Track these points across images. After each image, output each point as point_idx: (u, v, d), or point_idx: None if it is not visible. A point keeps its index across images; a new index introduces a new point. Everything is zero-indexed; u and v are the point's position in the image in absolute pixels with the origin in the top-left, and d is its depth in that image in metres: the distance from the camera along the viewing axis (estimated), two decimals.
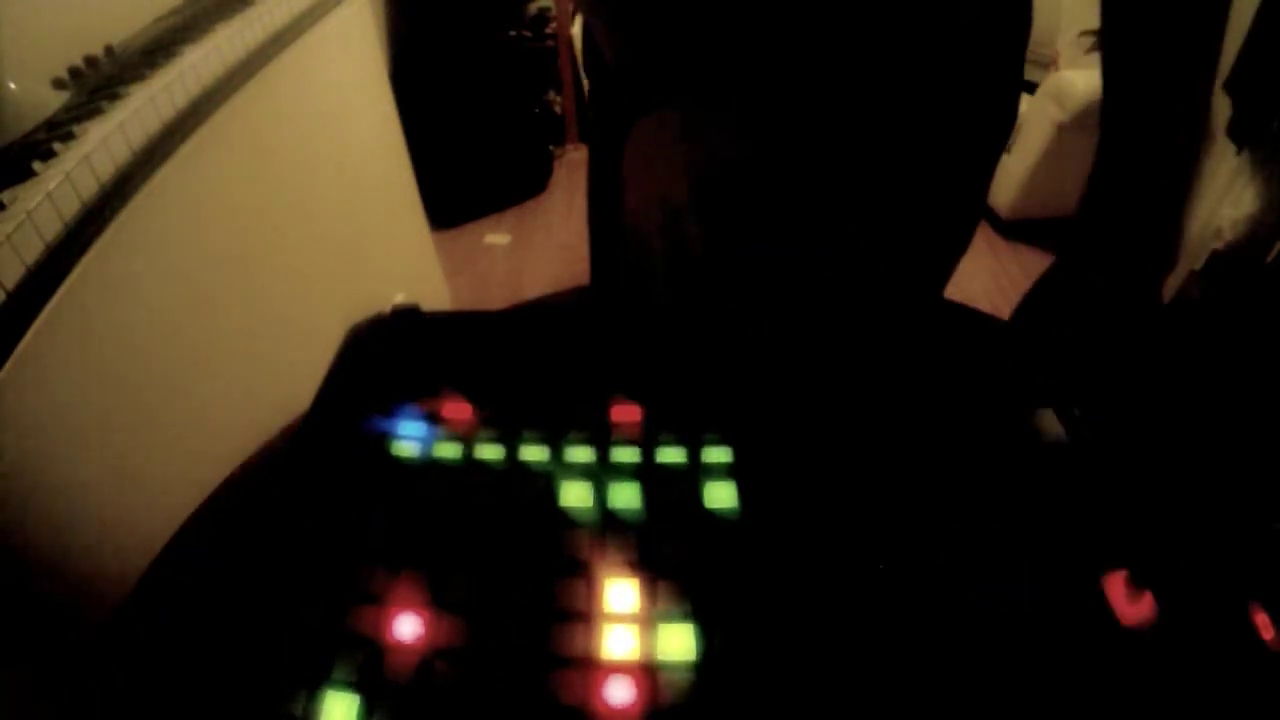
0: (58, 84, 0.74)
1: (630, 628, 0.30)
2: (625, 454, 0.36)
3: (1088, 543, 0.32)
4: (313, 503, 0.35)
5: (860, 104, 0.52)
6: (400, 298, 0.47)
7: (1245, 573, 0.31)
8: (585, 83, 0.67)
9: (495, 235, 2.12)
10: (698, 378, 0.40)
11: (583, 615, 0.30)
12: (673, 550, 0.32)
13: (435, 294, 1.55)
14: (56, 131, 0.64)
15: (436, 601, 0.31)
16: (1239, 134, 1.25)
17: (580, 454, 0.36)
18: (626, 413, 0.38)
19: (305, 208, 1.01)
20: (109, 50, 0.80)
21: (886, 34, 0.50)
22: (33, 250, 0.55)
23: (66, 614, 0.55)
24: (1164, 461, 0.35)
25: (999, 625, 0.29)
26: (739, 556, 0.32)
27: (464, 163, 2.03)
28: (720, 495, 0.34)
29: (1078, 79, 1.76)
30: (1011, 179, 1.96)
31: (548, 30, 2.30)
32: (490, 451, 0.36)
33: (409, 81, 1.75)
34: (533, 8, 2.30)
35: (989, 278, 1.93)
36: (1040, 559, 0.32)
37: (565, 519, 0.34)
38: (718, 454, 0.36)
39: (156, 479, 0.68)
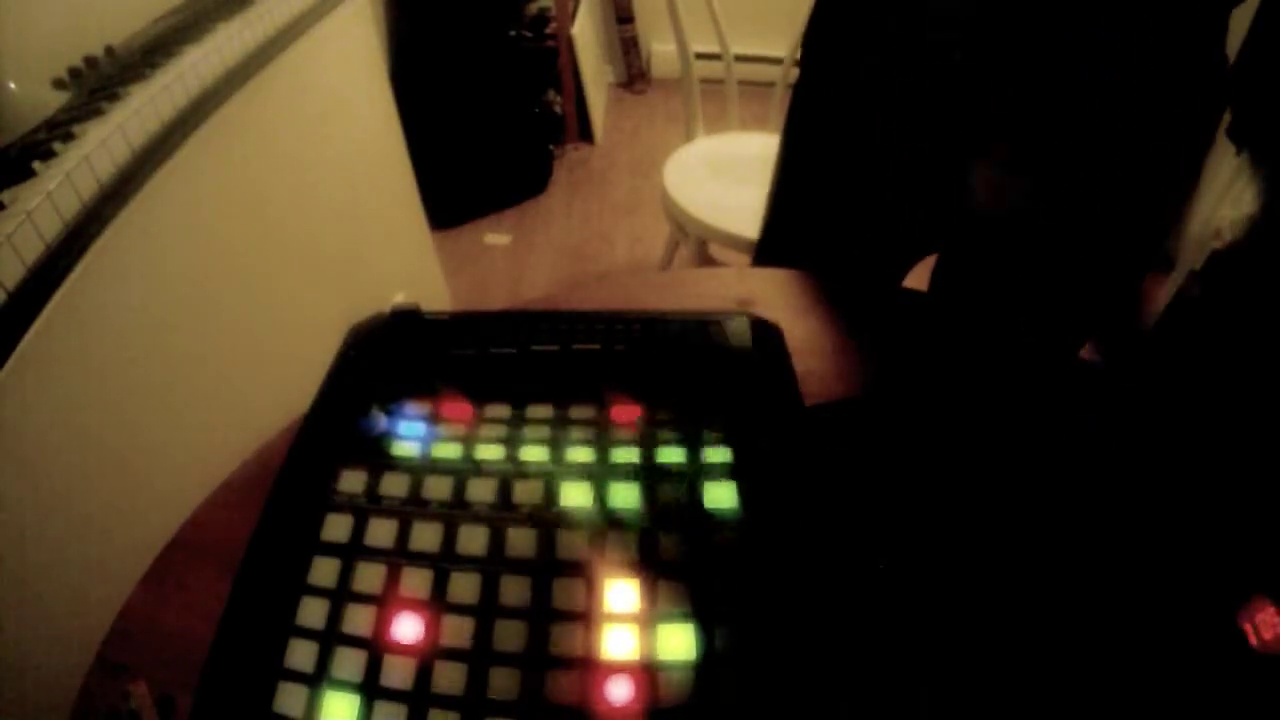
0: (58, 84, 0.74)
1: (630, 628, 0.30)
2: (625, 454, 0.36)
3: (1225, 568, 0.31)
4: (312, 502, 0.35)
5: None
6: (400, 298, 0.47)
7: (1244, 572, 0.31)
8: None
9: (495, 235, 2.12)
10: (698, 378, 0.40)
11: (583, 615, 0.30)
12: (673, 550, 0.32)
13: (435, 294, 1.55)
14: (56, 131, 0.64)
15: (436, 601, 0.31)
16: (1239, 134, 1.25)
17: (580, 454, 0.36)
18: (626, 413, 0.38)
19: (305, 208, 1.01)
20: (109, 50, 0.80)
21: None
22: (33, 250, 0.56)
23: (66, 615, 0.55)
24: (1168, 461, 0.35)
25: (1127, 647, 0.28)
26: (739, 556, 0.32)
27: (464, 163, 2.03)
28: (720, 495, 0.34)
29: None
30: None
31: (548, 30, 2.29)
32: (490, 451, 0.36)
33: (409, 81, 1.75)
34: (533, 8, 2.29)
35: None
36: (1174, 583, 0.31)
37: (565, 519, 0.34)
38: (718, 454, 0.36)
39: (156, 479, 0.68)
